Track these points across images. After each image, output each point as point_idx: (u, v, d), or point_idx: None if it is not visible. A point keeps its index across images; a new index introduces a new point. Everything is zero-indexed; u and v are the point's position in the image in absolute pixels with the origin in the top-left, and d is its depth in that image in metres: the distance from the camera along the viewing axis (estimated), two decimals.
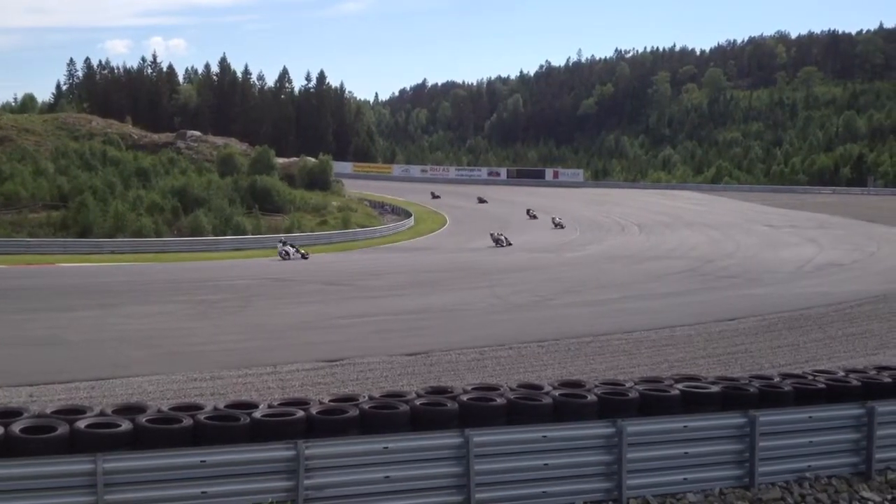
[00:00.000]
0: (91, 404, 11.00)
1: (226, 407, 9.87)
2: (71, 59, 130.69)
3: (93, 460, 8.13)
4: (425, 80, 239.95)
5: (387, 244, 49.90)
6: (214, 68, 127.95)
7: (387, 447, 9.09)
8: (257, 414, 9.50)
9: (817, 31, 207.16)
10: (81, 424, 8.83)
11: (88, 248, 42.90)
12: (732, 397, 11.02)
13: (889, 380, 12.02)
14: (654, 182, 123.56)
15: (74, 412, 9.38)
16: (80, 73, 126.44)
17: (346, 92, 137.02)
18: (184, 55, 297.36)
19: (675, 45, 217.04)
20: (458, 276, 34.14)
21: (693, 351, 19.22)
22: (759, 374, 12.95)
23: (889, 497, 10.58)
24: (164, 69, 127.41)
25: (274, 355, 17.94)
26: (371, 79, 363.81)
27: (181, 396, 13.91)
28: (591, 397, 10.61)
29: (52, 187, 52.51)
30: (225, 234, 48.95)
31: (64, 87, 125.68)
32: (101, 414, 9.40)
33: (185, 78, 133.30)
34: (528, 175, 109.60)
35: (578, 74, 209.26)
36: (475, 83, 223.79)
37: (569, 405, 10.41)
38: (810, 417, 10.77)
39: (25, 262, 37.40)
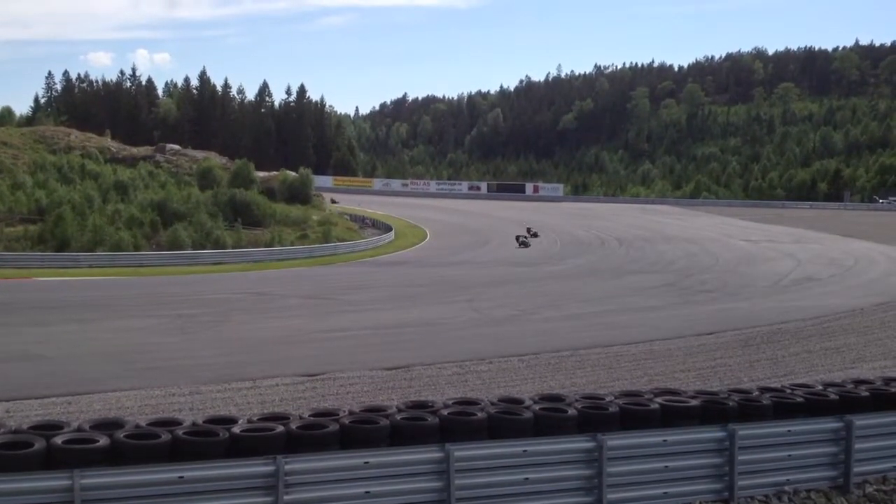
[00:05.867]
0: (68, 419, 10.91)
1: (204, 422, 9.82)
2: (49, 72, 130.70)
3: (70, 476, 8.04)
4: (406, 94, 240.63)
5: (367, 258, 49.78)
6: (194, 82, 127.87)
7: (367, 462, 9.04)
8: (236, 429, 9.44)
9: (794, 47, 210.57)
10: (58, 440, 8.75)
11: (66, 262, 42.52)
12: (712, 411, 11.07)
13: (867, 393, 12.12)
14: (634, 197, 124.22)
15: (51, 427, 9.29)
16: (58, 86, 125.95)
17: (327, 106, 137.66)
18: (168, 68, 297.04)
19: (653, 61, 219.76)
20: (438, 290, 34.11)
21: (672, 365, 19.30)
22: (737, 388, 13.02)
23: None
24: (144, 82, 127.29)
25: (253, 370, 17.85)
26: (351, 93, 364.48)
27: (159, 411, 13.83)
28: (571, 411, 10.62)
29: (30, 201, 52.13)
30: (204, 248, 48.68)
31: (42, 100, 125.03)
32: (79, 429, 9.31)
33: (164, 91, 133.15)
34: (509, 189, 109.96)
35: (558, 89, 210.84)
36: (455, 97, 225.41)
37: (549, 419, 10.41)
38: (789, 431, 10.83)
39: (2, 276, 37.00)
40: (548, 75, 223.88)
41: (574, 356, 20.05)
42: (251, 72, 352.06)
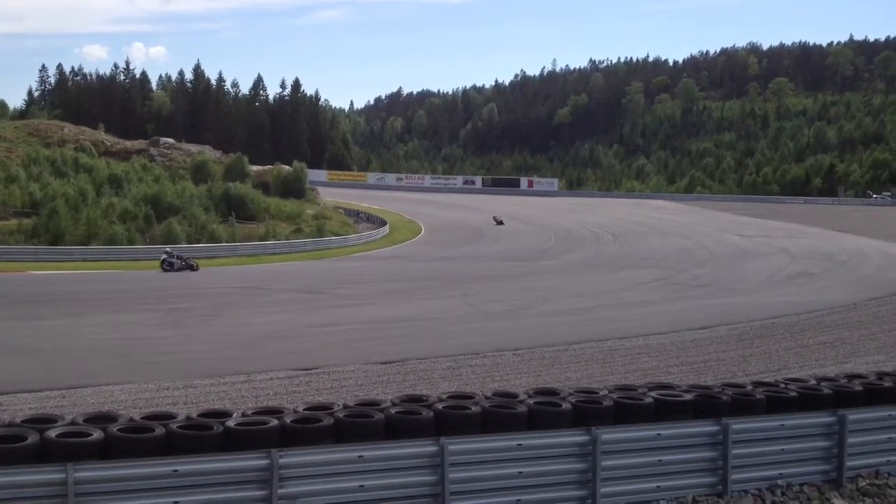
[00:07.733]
0: (62, 413, 10.89)
1: (198, 416, 9.80)
2: (43, 66, 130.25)
3: (63, 469, 8.03)
4: (401, 88, 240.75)
5: (360, 252, 49.74)
6: (189, 75, 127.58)
7: (361, 456, 9.05)
8: (230, 423, 9.43)
9: (788, 42, 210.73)
10: (52, 434, 8.73)
11: (60, 255, 42.37)
12: (705, 405, 11.09)
13: (860, 388, 12.15)
14: (628, 191, 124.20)
15: (45, 421, 9.28)
16: (52, 80, 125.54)
17: (322, 100, 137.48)
18: (163, 62, 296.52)
19: (648, 56, 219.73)
20: (432, 284, 34.12)
21: (666, 359, 19.34)
22: (731, 383, 13.05)
23: None
24: (137, 76, 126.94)
25: (247, 364, 17.84)
26: (346, 87, 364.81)
27: (153, 405, 13.82)
28: (565, 405, 10.64)
29: (24, 194, 51.91)
30: (199, 242, 48.57)
31: (36, 94, 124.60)
32: (72, 423, 9.29)
33: (158, 85, 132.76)
34: (504, 184, 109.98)
35: (553, 84, 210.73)
36: (450, 92, 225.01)
37: (543, 413, 10.42)
38: (782, 425, 10.85)
39: None
40: (542, 70, 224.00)
41: (568, 350, 20.08)
42: (246, 65, 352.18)
